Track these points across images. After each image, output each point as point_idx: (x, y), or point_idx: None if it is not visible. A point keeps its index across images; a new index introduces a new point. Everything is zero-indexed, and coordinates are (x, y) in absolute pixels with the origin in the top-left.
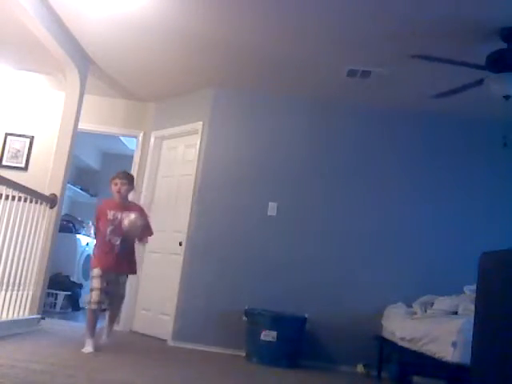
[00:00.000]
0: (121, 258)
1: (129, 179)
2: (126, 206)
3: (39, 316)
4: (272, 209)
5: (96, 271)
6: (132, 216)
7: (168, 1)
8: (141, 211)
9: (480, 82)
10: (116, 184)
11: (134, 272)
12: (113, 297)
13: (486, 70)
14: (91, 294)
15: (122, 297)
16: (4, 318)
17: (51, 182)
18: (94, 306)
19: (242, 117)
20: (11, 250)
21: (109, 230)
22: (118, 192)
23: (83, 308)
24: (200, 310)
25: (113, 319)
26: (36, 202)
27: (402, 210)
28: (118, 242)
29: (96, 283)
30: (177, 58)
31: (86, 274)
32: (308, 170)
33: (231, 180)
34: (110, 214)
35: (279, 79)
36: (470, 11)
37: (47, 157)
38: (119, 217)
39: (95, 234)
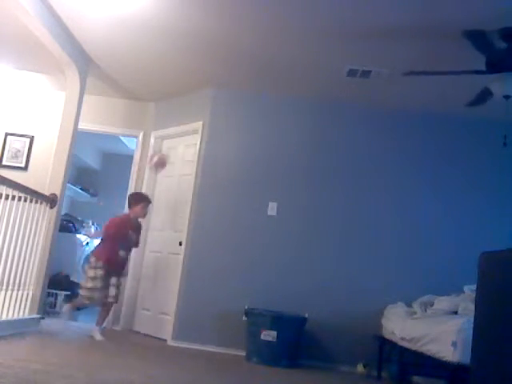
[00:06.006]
0: (121, 266)
1: None
2: (136, 224)
3: (39, 316)
4: (272, 209)
5: (100, 272)
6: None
7: (168, 1)
8: (140, 227)
9: (487, 92)
10: (146, 209)
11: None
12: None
13: (487, 74)
14: (94, 293)
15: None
16: (4, 317)
17: (51, 182)
18: (94, 302)
19: (242, 117)
20: (11, 249)
21: (122, 245)
22: (144, 216)
23: (83, 308)
24: (200, 309)
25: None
26: (36, 202)
27: (401, 211)
28: (122, 254)
29: (98, 284)
30: (177, 57)
31: None
32: (308, 170)
33: (231, 180)
34: (130, 234)
35: (279, 79)
36: (470, 11)
37: (47, 157)
38: (133, 236)
39: (104, 236)
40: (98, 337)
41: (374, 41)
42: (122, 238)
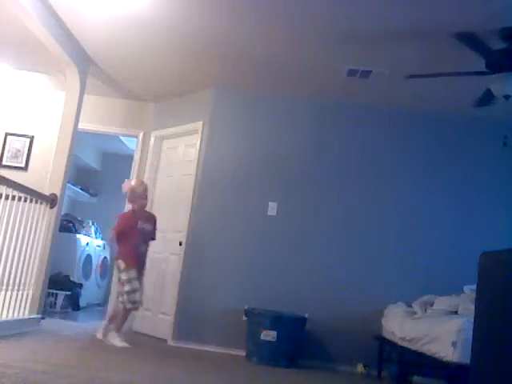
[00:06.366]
0: (142, 261)
1: None
2: (146, 215)
3: (39, 316)
4: (272, 209)
5: (133, 273)
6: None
7: (168, 1)
8: (154, 218)
9: (490, 93)
10: (146, 199)
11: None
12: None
13: (488, 75)
14: (135, 294)
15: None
16: (4, 317)
17: (51, 182)
18: (138, 306)
19: (242, 117)
20: (11, 249)
21: (136, 238)
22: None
23: (83, 308)
24: (200, 310)
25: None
26: (36, 202)
27: (401, 211)
28: (142, 249)
29: (136, 284)
30: (177, 57)
31: (86, 274)
32: (308, 170)
33: (231, 180)
34: (140, 224)
35: (279, 79)
36: (470, 12)
37: (47, 157)
38: (145, 226)
39: (119, 237)
40: (121, 343)
41: (374, 41)
42: (131, 230)
